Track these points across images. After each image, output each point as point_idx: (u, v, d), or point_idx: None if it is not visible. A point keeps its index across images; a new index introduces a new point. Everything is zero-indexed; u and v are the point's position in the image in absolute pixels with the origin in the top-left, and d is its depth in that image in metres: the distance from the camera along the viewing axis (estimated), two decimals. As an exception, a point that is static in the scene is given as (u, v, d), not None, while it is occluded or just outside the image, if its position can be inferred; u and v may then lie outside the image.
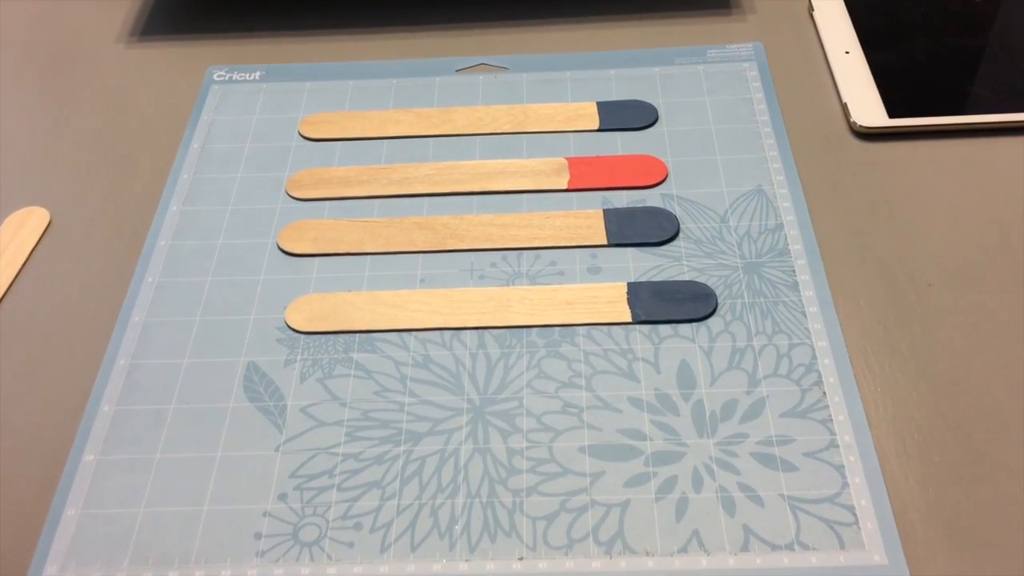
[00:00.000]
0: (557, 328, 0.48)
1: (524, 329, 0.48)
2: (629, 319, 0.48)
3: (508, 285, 0.50)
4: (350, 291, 0.50)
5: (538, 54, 0.63)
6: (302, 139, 0.58)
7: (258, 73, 0.62)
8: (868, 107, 0.56)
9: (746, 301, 0.48)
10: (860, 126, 0.56)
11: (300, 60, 0.63)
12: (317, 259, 0.52)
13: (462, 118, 0.58)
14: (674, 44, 0.63)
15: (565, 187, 0.54)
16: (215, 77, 0.62)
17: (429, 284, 0.50)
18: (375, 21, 0.66)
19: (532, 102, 0.59)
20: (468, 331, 0.48)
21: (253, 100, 0.61)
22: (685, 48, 0.62)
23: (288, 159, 0.57)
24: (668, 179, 0.54)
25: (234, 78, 0.62)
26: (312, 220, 0.53)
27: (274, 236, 0.53)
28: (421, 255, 0.52)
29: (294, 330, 0.48)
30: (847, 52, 0.60)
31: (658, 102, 0.59)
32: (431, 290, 0.50)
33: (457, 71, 0.62)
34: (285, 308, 0.49)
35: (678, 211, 0.53)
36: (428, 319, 0.48)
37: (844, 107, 0.57)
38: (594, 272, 0.50)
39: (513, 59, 0.62)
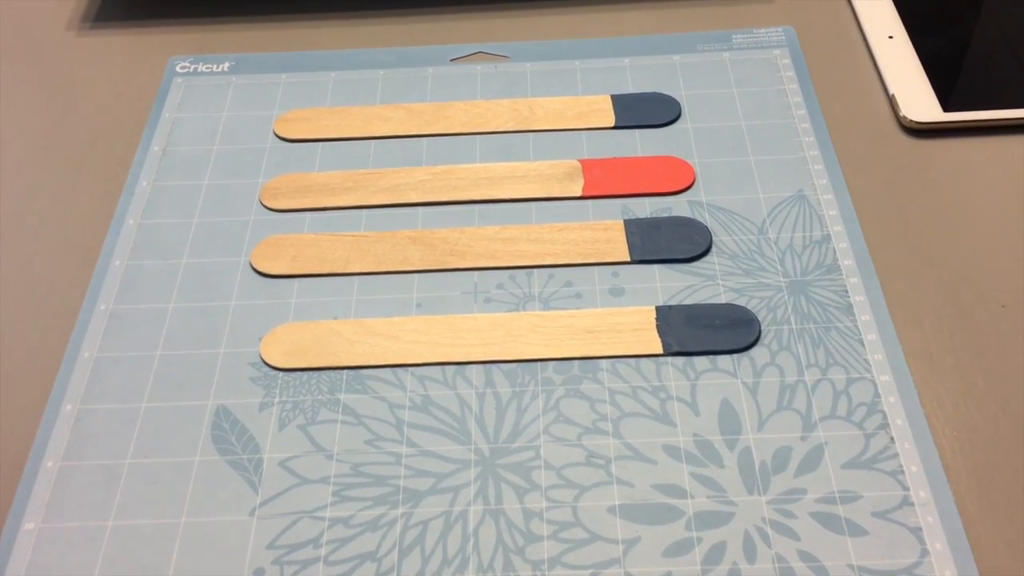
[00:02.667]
0: (576, 361, 0.41)
1: (538, 363, 0.41)
2: (659, 350, 0.41)
3: (518, 310, 0.43)
4: (336, 319, 0.43)
5: (543, 41, 0.56)
6: (277, 140, 0.51)
7: (227, 64, 0.55)
8: (919, 99, 0.50)
9: (793, 327, 0.42)
10: (911, 121, 0.49)
11: (274, 49, 0.56)
12: (296, 281, 0.45)
13: (459, 114, 0.52)
14: (695, 28, 0.56)
15: (579, 194, 0.48)
16: (178, 69, 0.55)
17: (427, 310, 0.44)
18: (359, 4, 0.59)
19: (537, 95, 0.53)
20: (473, 366, 0.41)
21: (221, 95, 0.53)
22: (708, 33, 0.55)
23: (262, 163, 0.50)
24: (695, 184, 0.48)
25: (199, 70, 0.55)
26: (290, 235, 0.46)
27: (246, 254, 0.46)
28: (417, 275, 0.45)
29: (271, 366, 0.42)
30: (891, 37, 0.53)
31: (680, 95, 0.52)
32: (429, 317, 0.43)
33: (452, 60, 0.55)
34: (260, 340, 0.43)
35: (709, 221, 0.46)
36: (427, 352, 0.42)
37: (891, 99, 0.51)
38: (616, 294, 0.44)
39: (515, 46, 0.55)
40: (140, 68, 0.56)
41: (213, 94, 0.54)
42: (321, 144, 0.51)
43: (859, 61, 0.54)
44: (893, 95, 0.50)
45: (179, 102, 0.53)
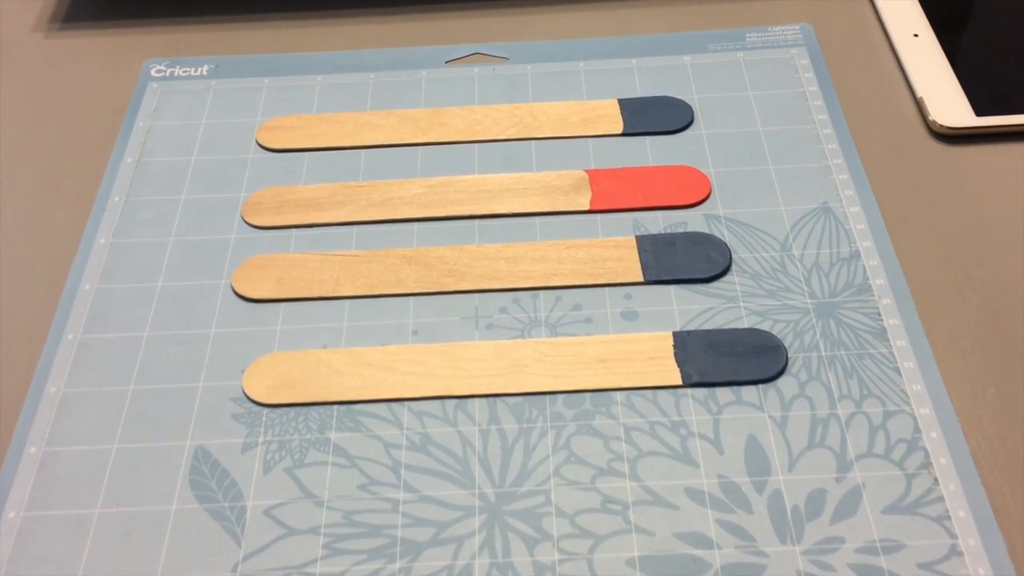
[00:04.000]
0: (588, 394, 0.38)
1: (546, 396, 0.38)
2: (678, 381, 0.38)
3: (523, 337, 0.40)
4: (325, 348, 0.40)
5: (544, 41, 0.52)
6: (261, 150, 0.47)
7: (205, 67, 0.51)
8: (949, 102, 0.47)
9: (823, 354, 0.39)
10: (941, 126, 0.46)
11: (257, 50, 0.52)
12: (282, 305, 0.41)
13: (456, 121, 0.48)
14: (706, 27, 0.52)
15: (587, 207, 0.44)
16: (153, 73, 0.51)
17: (424, 337, 0.40)
18: (348, 2, 0.55)
19: (539, 100, 0.49)
20: (476, 400, 0.38)
21: (200, 101, 0.50)
22: (720, 31, 0.52)
23: (243, 175, 0.46)
24: (712, 195, 0.44)
25: (176, 73, 0.51)
26: (275, 255, 0.43)
27: (227, 276, 0.42)
28: (412, 298, 0.41)
29: (254, 402, 0.38)
30: (915, 35, 0.50)
31: (691, 98, 0.49)
32: (427, 345, 0.40)
33: (447, 62, 0.51)
34: (243, 372, 0.39)
35: (727, 237, 0.43)
36: (425, 384, 0.38)
37: (919, 103, 0.47)
38: (630, 318, 0.40)
39: (514, 47, 0.52)
40: (112, 72, 0.52)
41: (191, 100, 0.50)
42: (308, 154, 0.47)
43: (882, 61, 0.50)
44: (921, 98, 0.47)
45: (154, 109, 0.49)
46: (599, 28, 0.53)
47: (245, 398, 0.38)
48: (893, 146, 0.46)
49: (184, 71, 0.51)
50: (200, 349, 0.40)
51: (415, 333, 0.40)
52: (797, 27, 0.52)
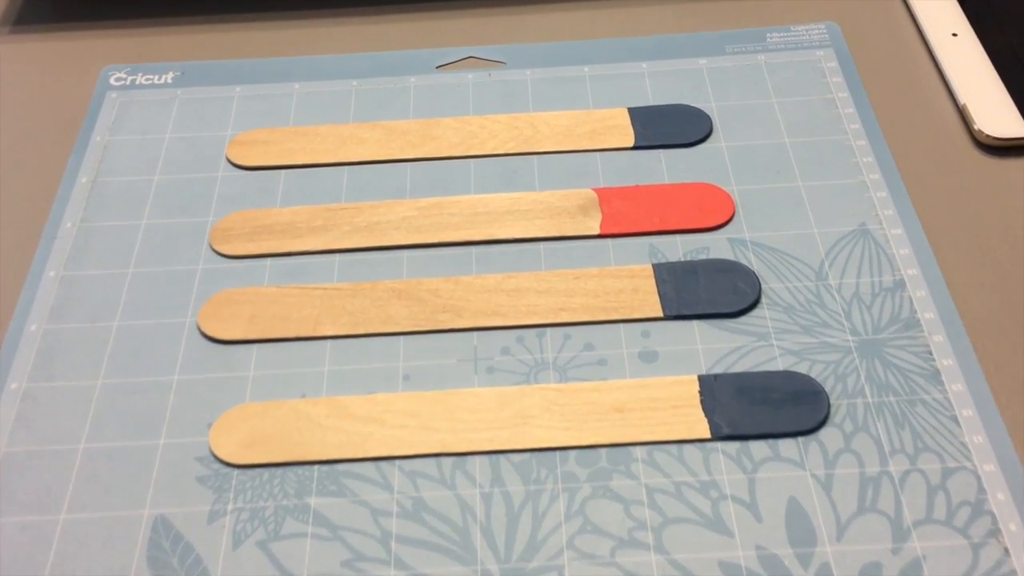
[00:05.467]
0: (604, 450, 0.33)
1: (557, 452, 0.33)
2: (707, 433, 0.33)
3: (528, 382, 0.35)
4: (304, 397, 0.35)
5: (545, 43, 0.47)
6: (231, 167, 0.43)
7: (170, 74, 0.46)
8: (995, 110, 0.42)
9: (869, 401, 0.34)
10: (988, 136, 0.41)
11: (228, 55, 0.48)
12: (255, 347, 0.37)
13: (448, 134, 0.43)
14: (722, 26, 0.48)
15: (597, 232, 0.39)
16: (112, 81, 0.46)
17: (416, 383, 0.35)
18: (328, 2, 0.50)
19: (541, 109, 0.44)
20: (476, 457, 0.33)
21: (163, 112, 0.45)
22: (738, 31, 0.47)
23: (212, 197, 0.41)
24: (736, 217, 0.40)
25: (138, 82, 0.46)
26: (247, 288, 0.38)
27: (193, 314, 0.37)
28: (402, 338, 0.37)
29: (223, 462, 0.33)
30: (954, 34, 0.45)
31: (709, 106, 0.44)
32: (419, 393, 0.35)
33: (438, 68, 0.46)
34: (209, 427, 0.34)
35: (755, 264, 0.38)
36: (417, 440, 0.34)
37: (962, 110, 0.43)
38: (648, 359, 0.36)
39: (512, 49, 0.47)
40: (65, 81, 0.47)
41: (154, 111, 0.45)
42: (284, 172, 0.42)
43: (918, 63, 0.46)
44: (964, 105, 0.43)
45: (113, 122, 0.44)
46: (605, 28, 0.48)
47: (212, 457, 0.34)
48: (935, 159, 0.42)
49: (146, 79, 0.46)
50: (161, 400, 0.35)
51: (406, 379, 0.35)
52: (822, 26, 0.47)
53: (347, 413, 0.34)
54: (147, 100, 0.45)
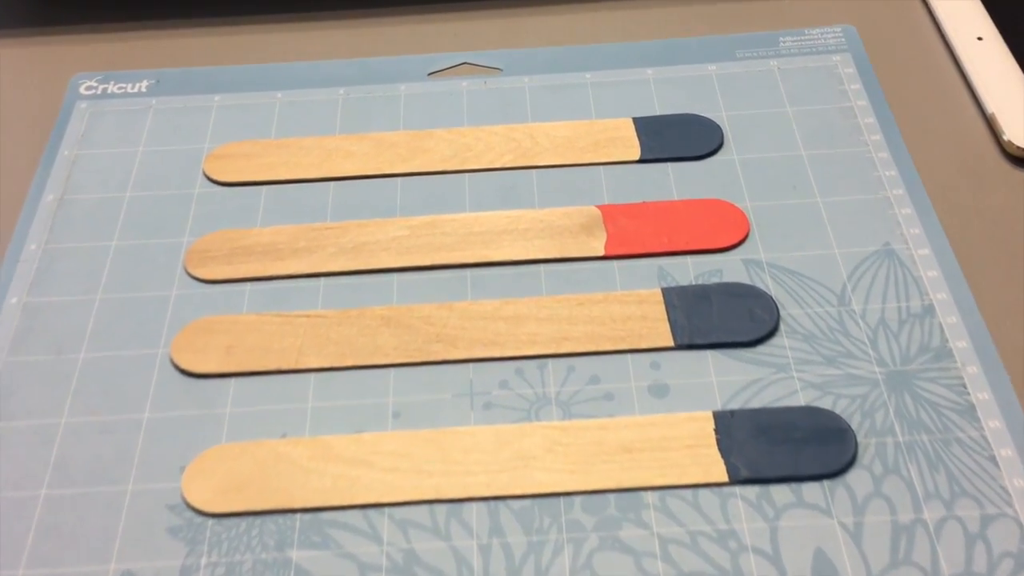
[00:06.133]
0: (613, 495, 0.31)
1: (561, 498, 0.31)
2: (724, 477, 0.31)
3: (529, 419, 0.32)
4: (285, 437, 0.32)
5: (544, 47, 0.45)
6: (209, 183, 0.40)
7: (145, 82, 0.44)
8: (1026, 120, 0.39)
9: (900, 440, 0.31)
10: (1019, 148, 0.39)
11: (206, 62, 0.45)
12: (233, 381, 0.34)
13: (441, 146, 0.40)
14: (732, 29, 0.45)
15: (601, 252, 0.37)
16: (82, 90, 0.43)
17: (408, 421, 0.33)
18: (313, 5, 0.47)
19: (540, 119, 0.42)
20: (474, 504, 0.31)
21: (137, 123, 0.42)
22: (748, 35, 0.44)
23: (188, 216, 0.39)
24: (750, 236, 0.37)
25: (110, 90, 0.43)
26: (224, 316, 0.35)
27: (166, 344, 0.35)
28: (393, 371, 0.34)
29: (197, 511, 0.31)
30: (979, 38, 0.43)
31: (719, 115, 0.41)
32: (411, 432, 0.32)
33: (430, 75, 0.44)
34: (182, 470, 0.31)
35: (772, 288, 0.35)
36: (409, 485, 0.31)
37: (990, 120, 0.40)
38: (659, 393, 0.33)
39: (509, 55, 0.44)
40: (32, 90, 0.44)
41: (127, 123, 0.42)
42: (265, 188, 0.40)
43: (941, 69, 0.43)
44: (992, 114, 0.40)
45: (82, 134, 0.42)
46: (608, 32, 0.45)
47: (185, 505, 0.31)
48: (962, 173, 0.39)
49: (119, 87, 0.43)
50: (130, 440, 0.32)
51: (396, 416, 0.33)
52: (838, 29, 0.44)
53: (332, 455, 0.32)
54: (119, 110, 0.43)
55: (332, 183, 0.40)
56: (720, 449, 0.31)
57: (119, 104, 0.43)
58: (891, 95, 0.42)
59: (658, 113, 0.41)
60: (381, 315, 0.35)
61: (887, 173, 0.39)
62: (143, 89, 0.43)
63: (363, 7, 0.47)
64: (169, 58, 0.45)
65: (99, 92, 0.43)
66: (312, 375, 0.34)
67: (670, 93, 0.42)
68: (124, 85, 0.44)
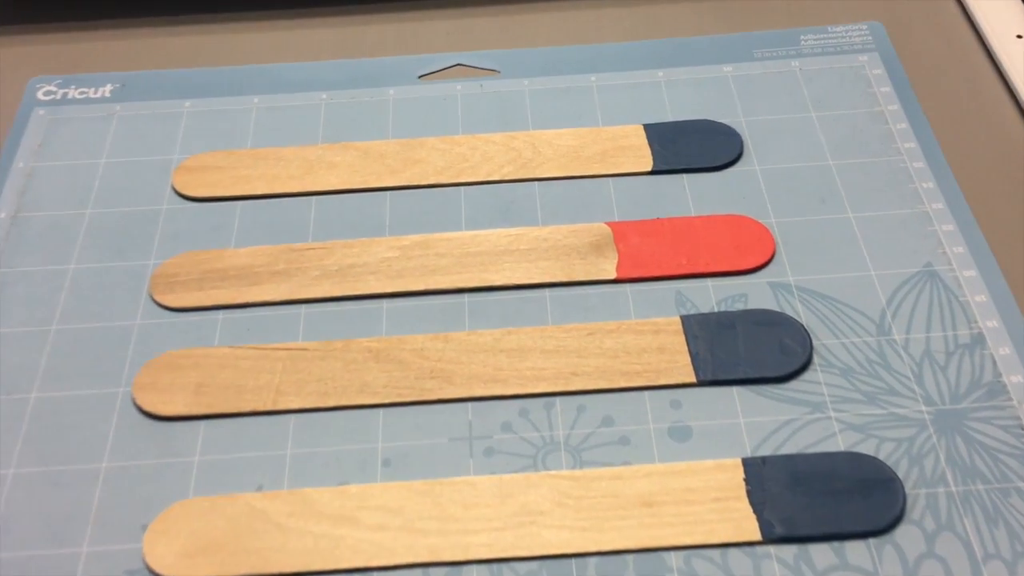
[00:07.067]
0: (631, 556, 0.27)
1: (572, 560, 0.27)
2: (756, 535, 0.27)
3: (535, 468, 0.29)
4: (260, 489, 0.29)
5: (544, 48, 0.41)
6: (178, 198, 0.36)
7: (109, 87, 0.40)
8: (1075, 126, 0.36)
9: (953, 490, 0.28)
10: (1069, 158, 0.35)
11: (176, 64, 0.41)
12: (202, 425, 0.30)
13: (434, 156, 0.37)
14: (749, 27, 0.42)
15: (613, 276, 0.33)
16: (40, 95, 0.40)
17: (399, 470, 0.29)
18: (292, 1, 0.43)
19: (541, 126, 0.38)
20: (473, 568, 0.27)
21: (99, 132, 0.38)
22: (767, 33, 0.41)
23: (154, 235, 0.35)
24: (776, 256, 0.34)
25: (71, 96, 0.40)
26: (193, 350, 0.32)
27: (127, 382, 0.31)
28: (382, 411, 0.30)
29: (159, 577, 0.27)
30: (1019, 36, 0.39)
31: (737, 121, 0.38)
32: (403, 483, 0.29)
33: (421, 77, 0.40)
34: (144, 529, 0.28)
35: (803, 315, 0.32)
36: (400, 546, 0.27)
37: (1036, 126, 0.37)
38: (681, 437, 0.29)
39: (506, 56, 0.41)
40: (-13, 95, 0.40)
41: (88, 131, 0.38)
42: (240, 204, 0.36)
43: (977, 69, 0.40)
44: (1037, 120, 0.37)
45: (39, 144, 0.38)
46: (614, 30, 0.42)
47: (147, 570, 0.27)
48: (1007, 184, 0.36)
49: (81, 92, 0.40)
50: (85, 494, 0.29)
51: (386, 464, 0.29)
52: (864, 26, 0.41)
53: (313, 510, 0.28)
54: (80, 117, 0.39)
55: (314, 198, 0.36)
56: (751, 502, 0.28)
57: (80, 111, 0.39)
58: (924, 98, 0.38)
59: (671, 119, 0.38)
60: (369, 347, 0.32)
61: (924, 185, 0.35)
62: (107, 94, 0.40)
63: (348, 3, 0.43)
64: (135, 60, 0.42)
65: (58, 97, 0.40)
66: (292, 417, 0.30)
67: (683, 97, 0.39)
68: (86, 90, 0.40)
